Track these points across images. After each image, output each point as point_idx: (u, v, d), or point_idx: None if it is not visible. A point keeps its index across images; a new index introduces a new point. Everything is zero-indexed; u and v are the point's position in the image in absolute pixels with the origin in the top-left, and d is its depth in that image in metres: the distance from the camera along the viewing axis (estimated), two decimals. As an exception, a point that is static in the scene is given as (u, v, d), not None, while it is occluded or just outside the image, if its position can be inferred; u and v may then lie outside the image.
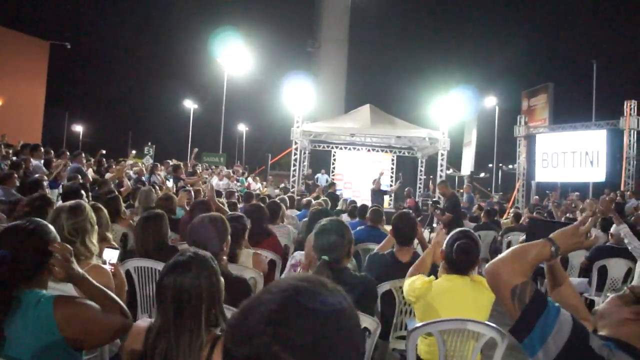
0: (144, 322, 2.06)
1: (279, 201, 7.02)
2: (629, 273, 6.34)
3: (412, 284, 3.14)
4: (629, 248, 6.14)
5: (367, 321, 2.95)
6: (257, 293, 1.00)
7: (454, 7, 48.93)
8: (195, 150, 15.82)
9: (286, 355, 0.89)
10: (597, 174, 19.44)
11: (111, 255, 3.37)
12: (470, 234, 3.09)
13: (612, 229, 6.92)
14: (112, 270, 3.08)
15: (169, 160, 15.92)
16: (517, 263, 1.86)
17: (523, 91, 26.63)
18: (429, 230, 11.88)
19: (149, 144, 27.72)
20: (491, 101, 31.41)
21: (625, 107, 18.83)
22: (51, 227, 2.31)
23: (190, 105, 39.45)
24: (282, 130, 24.61)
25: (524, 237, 8.48)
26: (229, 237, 3.19)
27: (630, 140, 18.83)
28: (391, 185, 19.84)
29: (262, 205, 5.58)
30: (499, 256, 1.89)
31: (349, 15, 42.83)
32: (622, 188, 18.13)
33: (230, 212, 4.68)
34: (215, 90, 31.93)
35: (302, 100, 18.74)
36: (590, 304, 6.51)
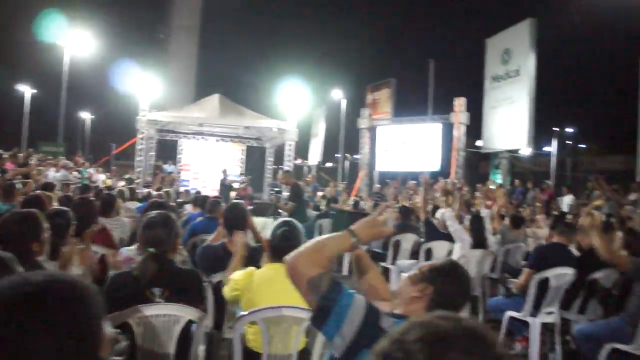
0: None
1: (113, 193, 6.76)
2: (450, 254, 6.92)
3: (231, 282, 3.19)
4: (450, 230, 6.75)
5: (193, 314, 2.97)
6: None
7: (306, 3, 49.85)
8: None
9: None
10: (433, 163, 20.95)
11: None
12: (291, 223, 3.22)
13: (437, 214, 7.54)
14: None
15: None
16: (315, 256, 1.95)
17: (367, 85, 27.90)
18: (274, 218, 12.07)
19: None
20: (338, 94, 32.54)
21: (455, 103, 20.48)
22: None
23: (26, 90, 36.23)
24: (129, 118, 23.57)
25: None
26: (44, 234, 3.02)
27: (459, 133, 20.53)
28: (242, 174, 19.87)
29: (91, 198, 5.34)
30: (298, 249, 1.98)
31: (200, 3, 41.98)
32: (451, 177, 19.75)
33: (54, 207, 4.43)
34: (55, 75, 29.61)
35: (149, 88, 18.11)
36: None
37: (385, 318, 1.87)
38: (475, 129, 21.78)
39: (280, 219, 3.37)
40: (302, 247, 1.98)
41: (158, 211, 3.49)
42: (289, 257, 1.95)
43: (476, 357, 0.92)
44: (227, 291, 3.26)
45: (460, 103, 20.22)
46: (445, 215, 6.91)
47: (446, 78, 30.25)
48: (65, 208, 4.09)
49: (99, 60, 28.57)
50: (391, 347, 0.97)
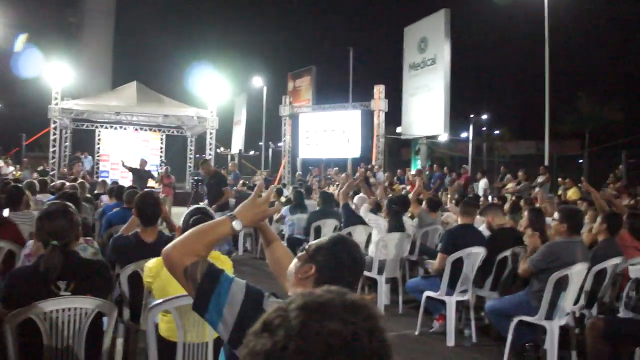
0: None
1: (21, 185, 6.44)
2: (369, 239, 7.05)
3: (146, 268, 3.15)
4: (365, 220, 6.91)
5: (100, 305, 2.88)
6: None
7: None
8: None
9: None
10: (353, 150, 21.27)
11: None
12: (204, 210, 3.18)
13: (355, 199, 7.67)
14: None
15: None
16: (192, 244, 1.93)
17: (289, 72, 27.89)
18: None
19: None
20: (259, 81, 32.34)
21: (375, 90, 20.84)
22: None
23: None
24: (40, 107, 22.45)
25: (284, 209, 9.00)
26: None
27: (379, 120, 20.94)
28: (161, 165, 19.38)
29: (-5, 192, 5.06)
30: (177, 238, 1.95)
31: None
32: (373, 162, 20.15)
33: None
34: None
35: (60, 76, 17.30)
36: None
37: (268, 300, 1.85)
38: (395, 116, 22.29)
39: (192, 207, 3.33)
40: (181, 236, 1.96)
41: (56, 202, 3.37)
42: (166, 247, 1.92)
43: (351, 327, 0.94)
44: (144, 279, 3.22)
45: (379, 90, 20.59)
46: (361, 208, 7.03)
47: (366, 65, 30.84)
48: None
49: (2, 46, 26.95)
50: (272, 314, 0.98)
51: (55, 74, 17.26)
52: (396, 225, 6.67)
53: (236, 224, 1.97)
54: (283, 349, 0.91)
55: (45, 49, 18.15)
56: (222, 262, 3.26)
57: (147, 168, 14.53)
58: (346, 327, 0.92)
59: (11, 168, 18.60)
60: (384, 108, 20.65)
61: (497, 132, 45.71)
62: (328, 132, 22.19)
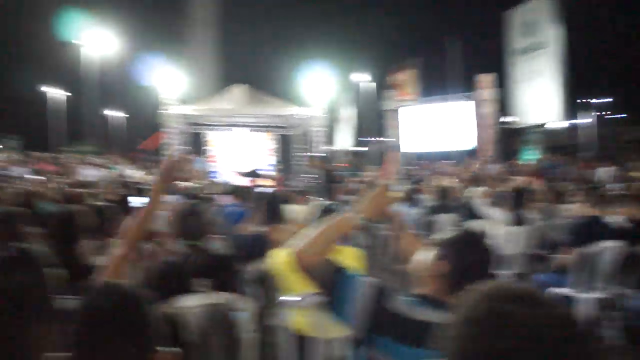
0: None
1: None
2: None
3: (278, 262, 3.13)
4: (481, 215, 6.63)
5: (244, 302, 2.94)
6: None
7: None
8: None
9: None
10: (465, 142, 20.64)
11: None
12: (329, 206, 3.13)
13: (473, 192, 7.40)
14: None
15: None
16: (321, 243, 1.94)
17: (393, 65, 27.54)
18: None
19: (9, 136, 25.67)
20: (364, 77, 32.28)
21: (483, 79, 20.10)
22: None
23: (51, 91, 36.90)
24: (154, 113, 23.74)
25: (400, 206, 8.86)
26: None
27: (490, 110, 20.17)
28: (278, 163, 19.86)
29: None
30: (305, 238, 1.96)
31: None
32: (490, 153, 19.48)
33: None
34: (79, 75, 30.01)
35: (173, 82, 18.14)
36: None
37: (395, 297, 1.82)
38: (501, 105, 21.43)
39: (321, 201, 3.30)
40: (308, 236, 1.97)
41: (191, 201, 3.48)
42: (297, 246, 1.95)
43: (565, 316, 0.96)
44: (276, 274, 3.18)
45: (488, 79, 19.86)
46: (479, 201, 6.79)
47: (475, 54, 29.75)
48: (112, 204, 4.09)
49: (120, 57, 28.80)
50: (478, 307, 1.00)
51: (166, 81, 18.07)
52: (518, 219, 6.35)
53: (359, 218, 1.97)
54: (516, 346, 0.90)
55: (158, 58, 19.03)
56: (352, 255, 3.20)
57: (259, 169, 14.97)
58: (564, 316, 0.94)
59: (137, 172, 19.78)
60: (494, 97, 19.88)
61: (619, 116, 42.52)
62: (437, 124, 21.67)
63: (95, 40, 24.88)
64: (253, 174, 14.26)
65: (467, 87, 22.00)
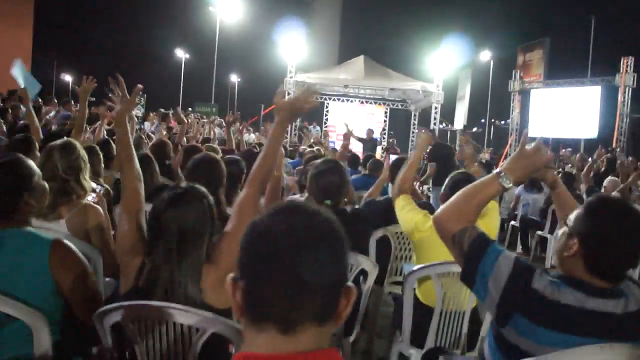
0: (134, 259, 2.03)
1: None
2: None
3: (418, 223, 3.03)
4: None
5: (367, 264, 2.95)
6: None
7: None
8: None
9: None
10: (590, 130, 19.44)
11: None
12: (470, 177, 3.01)
13: (605, 183, 6.95)
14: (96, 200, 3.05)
15: (157, 111, 15.77)
16: (463, 208, 1.82)
17: (519, 46, 26.33)
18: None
19: (140, 93, 27.41)
20: (486, 55, 31.09)
21: (622, 63, 18.68)
22: (30, 162, 2.18)
23: (181, 54, 38.84)
24: (275, 80, 24.30)
25: (518, 189, 8.53)
26: (225, 180, 3.15)
27: (624, 98, 18.77)
28: (384, 138, 19.79)
29: (256, 150, 5.51)
30: (445, 203, 1.86)
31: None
32: (614, 145, 18.18)
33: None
34: (207, 39, 31.32)
35: (296, 51, 18.41)
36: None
37: (539, 278, 1.67)
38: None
39: (454, 172, 3.21)
40: (449, 201, 1.85)
41: (325, 159, 3.51)
42: (436, 213, 1.86)
43: None
44: (407, 223, 3.10)
45: (627, 62, 18.41)
46: (612, 194, 6.34)
47: (610, 36, 27.60)
48: (237, 157, 4.24)
49: (246, 24, 29.61)
50: None
51: (290, 49, 18.37)
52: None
53: (505, 180, 1.77)
54: None
55: (282, 27, 19.39)
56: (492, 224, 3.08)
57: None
58: None
59: (252, 135, 20.44)
60: (631, 84, 18.42)
61: None
62: (562, 109, 20.51)
63: (225, 8, 25.73)
64: (367, 143, 14.32)
65: (604, 71, 20.49)
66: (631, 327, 1.64)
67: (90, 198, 3.05)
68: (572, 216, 1.73)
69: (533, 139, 1.91)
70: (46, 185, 2.26)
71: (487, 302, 1.73)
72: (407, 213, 3.11)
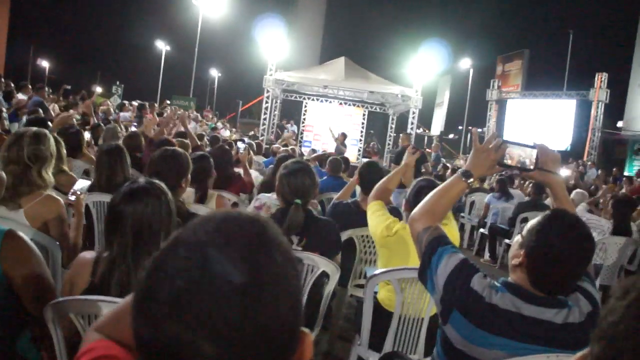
0: (88, 253, 2.01)
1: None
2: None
3: (388, 226, 3.07)
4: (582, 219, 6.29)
5: (328, 266, 2.95)
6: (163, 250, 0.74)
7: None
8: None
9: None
10: (563, 142, 19.75)
11: (82, 185, 3.28)
12: (430, 184, 3.03)
13: (572, 195, 7.06)
14: (78, 199, 2.97)
15: (133, 102, 15.61)
16: (429, 208, 1.91)
17: (498, 55, 26.65)
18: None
19: (117, 83, 27.10)
20: (466, 63, 31.36)
21: (596, 79, 19.01)
22: None
23: (162, 46, 38.48)
24: (255, 77, 24.24)
25: (488, 197, 8.63)
26: (189, 174, 3.12)
27: (597, 112, 19.10)
28: (360, 140, 19.89)
29: (228, 147, 5.48)
30: (420, 204, 1.94)
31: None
32: (584, 158, 18.50)
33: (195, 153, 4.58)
34: (189, 33, 31.09)
35: (277, 48, 18.39)
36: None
37: (479, 280, 1.72)
38: (616, 109, 20.16)
39: (420, 178, 3.23)
40: (422, 202, 1.94)
41: (295, 160, 3.51)
42: (412, 212, 1.94)
43: None
44: (377, 226, 3.13)
45: (601, 78, 18.76)
46: (578, 206, 6.44)
47: (586, 51, 28.04)
48: (205, 153, 4.21)
49: (228, 18, 29.48)
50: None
51: (271, 47, 18.33)
52: (622, 228, 5.98)
53: (469, 178, 1.90)
54: None
55: (263, 23, 19.38)
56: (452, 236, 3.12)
57: (346, 142, 15.09)
58: None
59: (227, 132, 20.36)
60: (604, 99, 18.77)
61: None
62: (537, 120, 20.82)
63: (207, 2, 25.61)
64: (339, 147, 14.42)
65: (580, 85, 20.83)
66: (571, 338, 1.66)
67: (73, 198, 2.99)
68: (527, 226, 1.75)
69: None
70: (4, 175, 2.22)
71: (435, 297, 1.79)
72: (378, 217, 3.15)
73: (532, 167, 1.96)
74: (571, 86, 22.97)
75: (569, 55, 25.76)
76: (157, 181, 2.03)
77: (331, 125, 15.58)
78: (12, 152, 2.83)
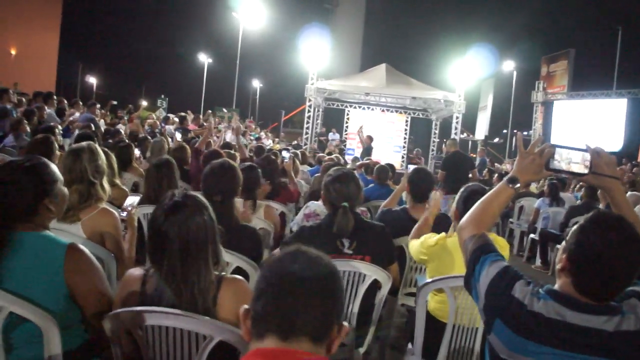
0: (135, 270, 2.02)
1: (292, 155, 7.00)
2: None
3: (424, 242, 3.08)
4: None
5: (379, 274, 2.93)
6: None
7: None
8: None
9: None
10: (614, 143, 19.16)
11: (132, 200, 3.37)
12: (481, 189, 2.98)
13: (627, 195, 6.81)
14: (130, 215, 3.03)
15: (174, 115, 15.94)
16: (476, 216, 1.89)
17: (543, 56, 26.09)
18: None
19: (162, 96, 27.73)
20: (509, 65, 30.82)
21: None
22: (54, 167, 2.19)
23: (204, 59, 39.19)
24: (297, 87, 24.40)
25: (538, 202, 8.43)
26: (240, 188, 3.16)
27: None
28: (404, 147, 19.79)
29: (274, 157, 5.53)
30: (468, 212, 1.93)
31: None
32: (639, 159, 17.90)
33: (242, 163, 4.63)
34: (230, 44, 31.61)
35: (318, 57, 18.43)
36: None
37: (521, 287, 1.66)
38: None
39: (467, 185, 3.18)
40: (469, 210, 1.93)
41: (338, 167, 3.53)
42: (460, 221, 1.94)
43: None
44: (415, 251, 3.18)
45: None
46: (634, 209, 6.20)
47: (636, 47, 27.12)
48: (253, 164, 4.25)
49: (269, 29, 29.83)
50: None
51: (312, 56, 18.39)
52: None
53: (515, 184, 1.87)
54: None
55: (303, 33, 19.49)
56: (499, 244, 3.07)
57: (389, 149, 15.08)
58: None
59: (270, 142, 20.53)
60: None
61: None
62: (585, 122, 20.26)
63: (247, 14, 25.98)
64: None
65: (631, 83, 20.18)
66: (623, 347, 1.56)
67: (124, 214, 3.05)
68: (571, 230, 1.69)
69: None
70: (66, 191, 2.28)
71: (479, 306, 1.76)
72: (415, 246, 3.23)
73: (586, 171, 1.88)
74: (621, 85, 22.25)
75: (618, 53, 24.96)
76: (195, 194, 2.04)
77: (362, 127, 15.69)
78: (75, 171, 2.92)
